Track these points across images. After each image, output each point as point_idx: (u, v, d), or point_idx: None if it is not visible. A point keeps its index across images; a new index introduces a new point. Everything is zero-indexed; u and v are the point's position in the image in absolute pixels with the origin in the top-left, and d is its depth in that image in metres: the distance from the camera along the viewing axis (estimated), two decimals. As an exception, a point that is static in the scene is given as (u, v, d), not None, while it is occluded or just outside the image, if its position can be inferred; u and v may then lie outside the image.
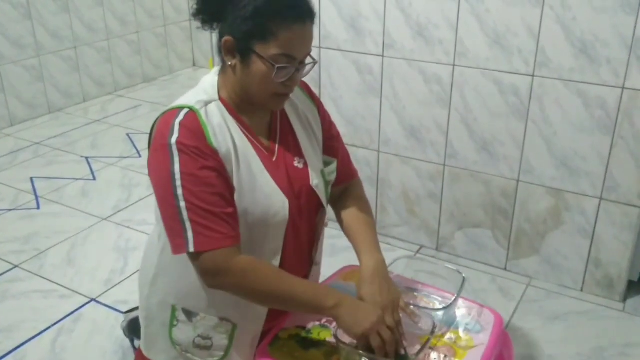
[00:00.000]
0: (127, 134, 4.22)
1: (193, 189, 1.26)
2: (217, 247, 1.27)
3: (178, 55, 5.67)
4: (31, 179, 3.57)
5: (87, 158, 3.86)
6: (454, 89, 2.53)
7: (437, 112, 2.61)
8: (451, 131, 2.60)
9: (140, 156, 3.88)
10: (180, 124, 1.29)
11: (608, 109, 2.26)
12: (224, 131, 1.33)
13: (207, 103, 1.34)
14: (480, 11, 2.36)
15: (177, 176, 1.26)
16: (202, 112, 1.32)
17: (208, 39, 5.40)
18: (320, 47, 2.73)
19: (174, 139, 1.27)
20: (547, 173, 2.46)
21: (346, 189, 1.63)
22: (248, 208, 1.34)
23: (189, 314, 1.45)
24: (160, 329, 1.50)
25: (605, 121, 2.28)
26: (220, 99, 1.38)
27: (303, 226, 1.48)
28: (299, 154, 1.47)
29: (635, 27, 2.12)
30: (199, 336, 1.45)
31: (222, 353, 1.47)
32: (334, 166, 1.56)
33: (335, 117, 2.83)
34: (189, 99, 1.36)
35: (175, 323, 1.47)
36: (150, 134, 1.37)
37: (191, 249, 1.27)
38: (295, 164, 1.45)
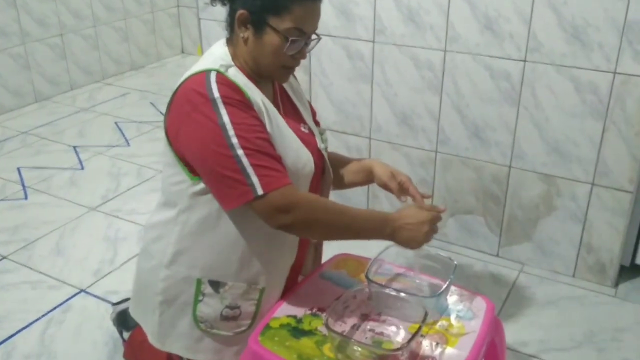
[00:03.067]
0: (116, 123, 4.18)
1: (247, 135, 1.32)
2: (284, 184, 1.34)
3: (166, 43, 5.62)
4: (18, 169, 3.53)
5: (75, 147, 3.82)
6: (446, 74, 2.52)
7: (428, 98, 2.59)
8: (443, 117, 2.59)
9: (129, 145, 3.85)
10: (217, 81, 1.35)
11: (600, 94, 2.26)
12: (252, 89, 1.40)
13: (227, 67, 1.40)
14: (471, -5, 2.34)
15: (229, 126, 1.31)
16: (228, 73, 1.38)
17: (196, 26, 5.35)
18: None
19: (216, 94, 1.32)
20: (538, 159, 2.46)
21: None
22: (282, 159, 1.40)
23: (216, 285, 1.47)
24: (181, 309, 1.50)
25: (597, 106, 2.28)
26: (236, 66, 1.44)
27: (315, 186, 1.56)
28: (302, 121, 1.59)
29: (626, 11, 2.11)
30: (226, 307, 1.48)
31: (249, 321, 1.51)
32: (326, 135, 1.67)
33: (326, 104, 2.82)
34: (209, 64, 1.40)
35: (200, 298, 1.48)
36: (168, 106, 1.41)
37: (260, 191, 1.31)
38: (302, 128, 1.56)
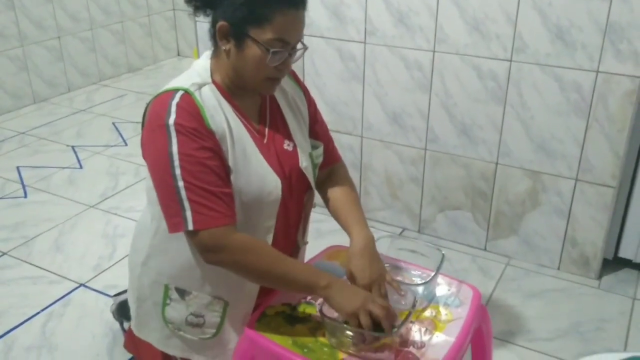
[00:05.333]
0: (113, 123, 4.23)
1: (191, 168, 1.29)
2: (216, 225, 1.31)
3: (162, 45, 5.66)
4: (17, 168, 3.58)
5: (73, 147, 3.87)
6: (435, 74, 2.58)
7: (418, 98, 2.66)
8: (432, 116, 2.66)
9: (126, 144, 3.90)
10: (177, 105, 1.31)
11: (583, 92, 2.33)
12: (219, 113, 1.37)
13: (200, 86, 1.37)
14: (459, -2, 2.41)
15: (175, 157, 1.29)
16: (197, 94, 1.35)
17: (192, 29, 5.40)
18: (303, 35, 2.76)
19: (171, 120, 1.30)
20: (524, 155, 2.53)
21: (331, 171, 1.67)
22: (243, 188, 1.38)
23: (182, 293, 1.48)
24: (153, 308, 1.53)
25: (580, 104, 2.35)
26: (213, 82, 1.41)
27: (292, 206, 1.53)
28: (288, 137, 1.51)
29: (609, 12, 2.18)
30: (191, 314, 1.49)
31: (214, 330, 1.51)
32: (321, 149, 1.59)
33: (319, 104, 2.84)
34: (183, 81, 1.38)
35: (168, 302, 1.50)
36: (144, 115, 1.40)
37: (190, 227, 1.30)
38: (285, 146, 1.49)
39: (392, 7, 2.55)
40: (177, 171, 1.29)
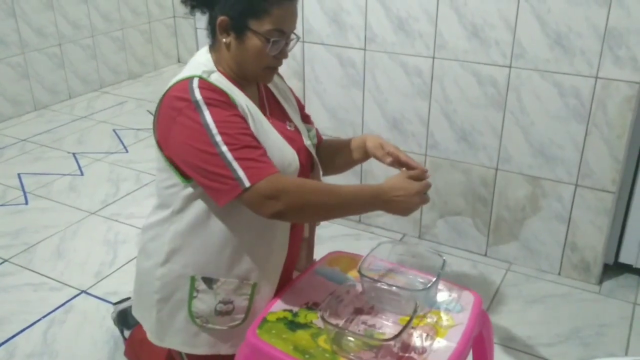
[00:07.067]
0: (114, 130, 4.24)
1: (230, 132, 1.36)
2: (268, 173, 1.36)
3: (163, 52, 5.68)
4: (18, 175, 3.59)
5: (74, 154, 3.87)
6: (434, 80, 2.59)
7: (418, 104, 2.67)
8: (432, 122, 2.67)
9: (127, 151, 3.91)
10: (198, 86, 1.39)
11: (582, 98, 2.34)
12: (234, 93, 1.44)
13: (209, 73, 1.45)
14: (458, 4, 2.42)
15: (212, 126, 1.35)
16: (210, 79, 1.43)
17: (192, 36, 5.42)
18: (303, 42, 2.78)
19: (198, 96, 1.37)
20: (524, 161, 2.53)
21: (320, 146, 1.81)
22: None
23: (209, 281, 1.51)
24: (178, 306, 1.54)
25: (579, 110, 2.36)
26: (219, 71, 1.48)
27: None
28: (288, 119, 1.63)
29: (607, 18, 2.19)
30: (220, 302, 1.52)
31: (243, 315, 1.54)
32: (314, 131, 1.72)
33: (319, 110, 2.89)
34: (192, 71, 1.45)
35: (194, 295, 1.52)
36: (156, 115, 1.45)
37: (247, 184, 1.34)
38: (287, 127, 1.60)
39: (391, 13, 2.57)
40: (218, 138, 1.35)
